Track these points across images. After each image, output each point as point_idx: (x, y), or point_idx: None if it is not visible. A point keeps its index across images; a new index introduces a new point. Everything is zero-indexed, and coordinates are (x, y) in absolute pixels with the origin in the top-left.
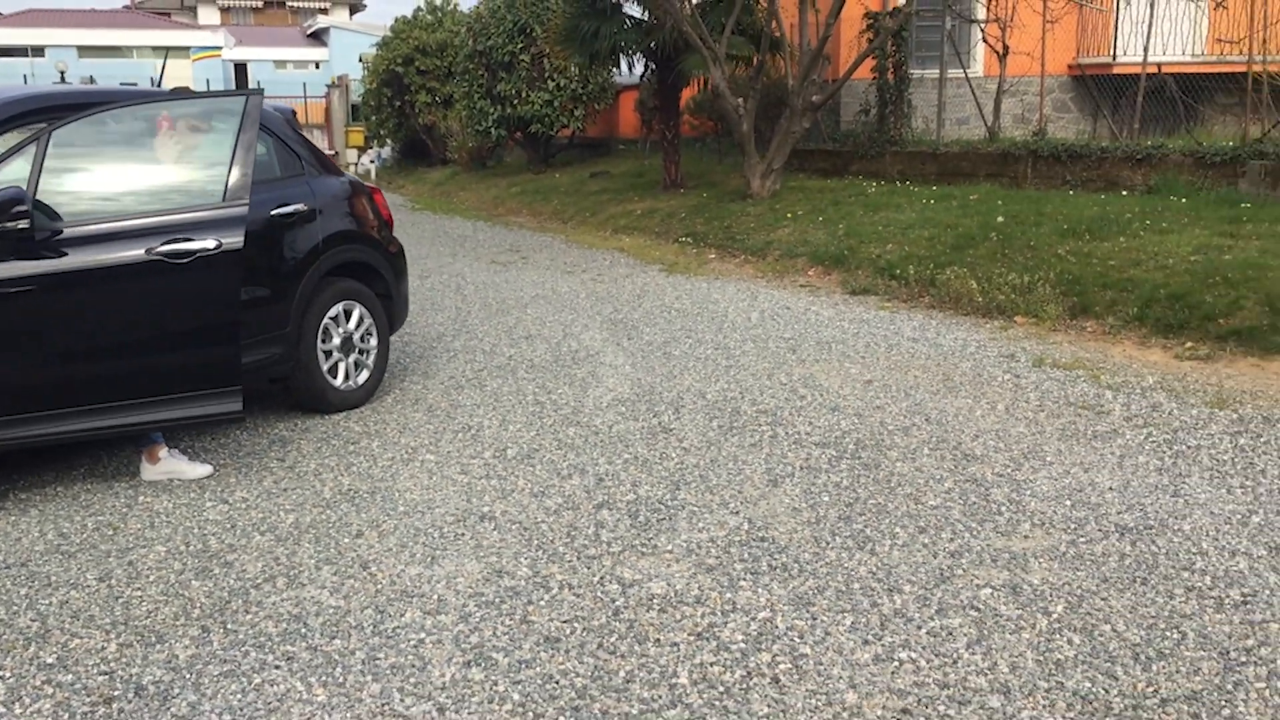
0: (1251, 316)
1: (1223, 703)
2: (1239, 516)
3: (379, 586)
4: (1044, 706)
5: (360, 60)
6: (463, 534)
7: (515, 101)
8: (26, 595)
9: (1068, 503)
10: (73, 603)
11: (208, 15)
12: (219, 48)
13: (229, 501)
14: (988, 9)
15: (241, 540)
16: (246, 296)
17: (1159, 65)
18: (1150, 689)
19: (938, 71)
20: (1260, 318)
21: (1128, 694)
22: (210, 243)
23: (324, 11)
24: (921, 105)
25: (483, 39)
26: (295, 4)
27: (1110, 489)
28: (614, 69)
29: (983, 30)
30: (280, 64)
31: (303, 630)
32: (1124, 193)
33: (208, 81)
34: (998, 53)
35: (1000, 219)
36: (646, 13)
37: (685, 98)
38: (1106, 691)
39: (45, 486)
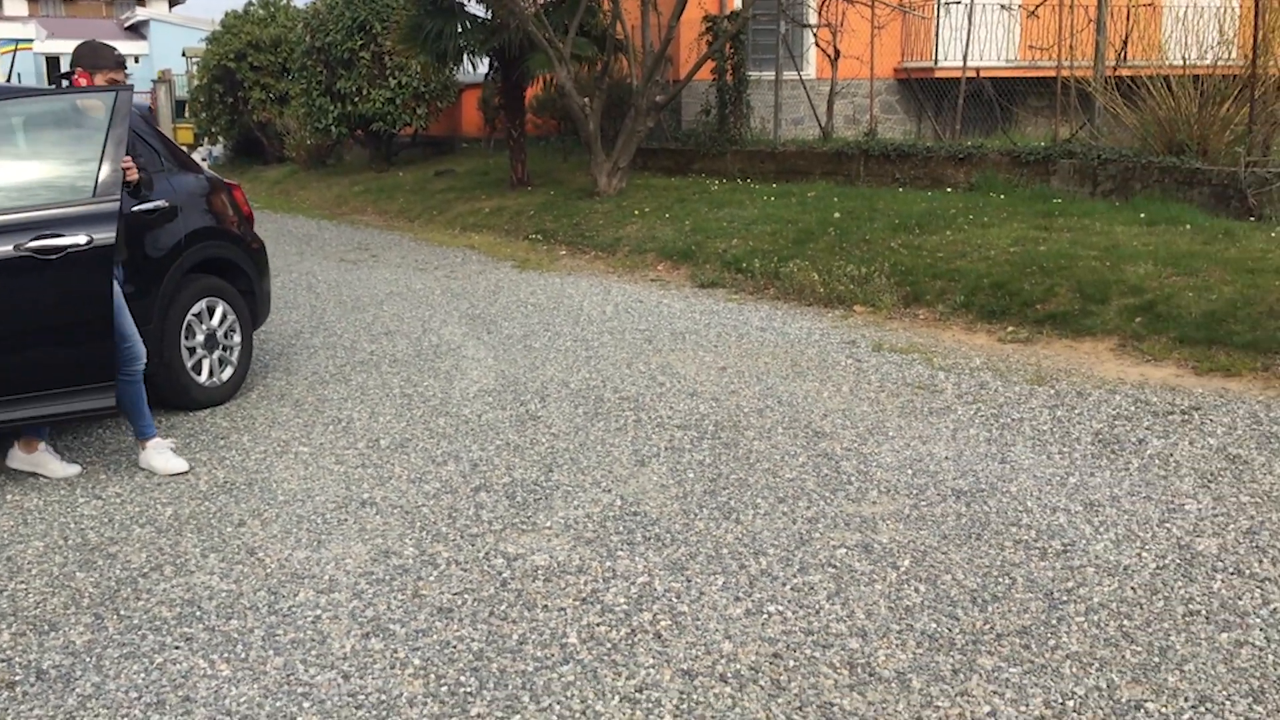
0: (1064, 302)
1: (1049, 635)
2: (1058, 478)
3: (268, 570)
4: (896, 645)
5: (184, 54)
6: (346, 519)
7: (356, 99)
8: None
9: (909, 471)
10: None
11: (14, 6)
12: (30, 40)
13: (102, 497)
14: (819, 14)
15: (121, 533)
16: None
17: (978, 70)
18: (987, 626)
19: (774, 74)
20: (1072, 303)
21: (968, 632)
22: (81, 238)
23: (141, 3)
24: (759, 106)
25: (321, 35)
26: None
27: (946, 458)
28: (457, 68)
29: (815, 35)
30: None
31: (197, 613)
32: (949, 190)
33: (18, 75)
34: (829, 56)
35: (837, 215)
36: (490, 12)
37: (529, 96)
38: (950, 630)
39: None
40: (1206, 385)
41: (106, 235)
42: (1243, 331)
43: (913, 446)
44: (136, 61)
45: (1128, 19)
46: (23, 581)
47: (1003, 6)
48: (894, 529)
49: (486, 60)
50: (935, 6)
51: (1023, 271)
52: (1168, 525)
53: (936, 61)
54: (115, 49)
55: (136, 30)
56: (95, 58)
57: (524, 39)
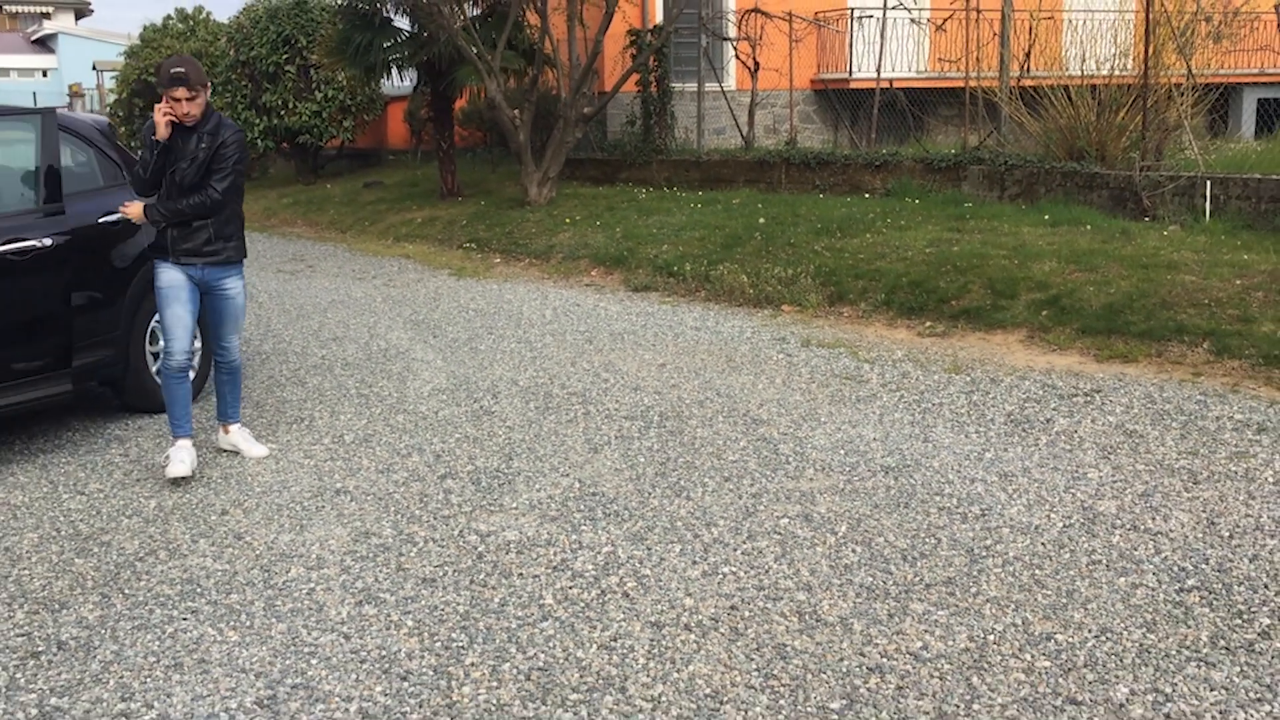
0: (977, 298)
1: (970, 584)
2: (975, 454)
3: (258, 552)
4: (839, 596)
5: (94, 68)
6: (323, 506)
7: (282, 112)
8: None
9: (841, 452)
10: None
11: None
12: None
13: (85, 493)
14: (739, 28)
15: (110, 524)
16: (80, 301)
17: (890, 81)
18: (917, 579)
19: (696, 85)
20: (984, 299)
21: (900, 583)
22: (47, 240)
23: (47, 16)
24: (682, 116)
25: (245, 49)
26: (13, 8)
27: (874, 439)
28: (384, 81)
29: (735, 48)
30: (2, 71)
31: (198, 590)
32: (866, 195)
33: None
34: (749, 68)
35: (762, 220)
36: (416, 26)
37: (455, 108)
38: (884, 583)
39: None
40: (1106, 370)
41: (61, 238)
42: (1138, 322)
43: (843, 430)
44: (45, 75)
45: (1030, 32)
46: (25, 568)
47: (913, 21)
48: (830, 501)
49: (414, 73)
50: (849, 20)
51: (938, 271)
52: (1073, 491)
53: (851, 73)
54: (172, 68)
55: (44, 44)
56: (159, 78)
57: (453, 52)
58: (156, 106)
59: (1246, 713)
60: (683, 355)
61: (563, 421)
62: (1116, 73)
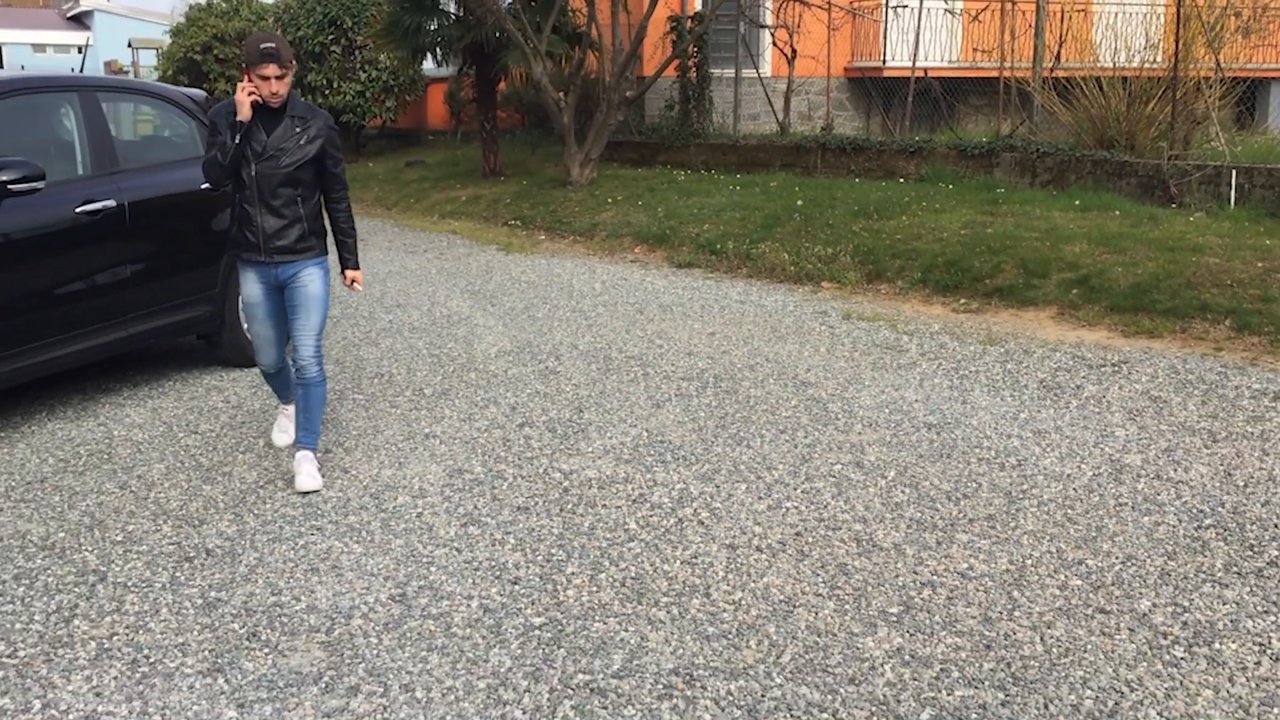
0: (1010, 277)
1: (1010, 520)
2: (1010, 414)
3: (365, 484)
4: (891, 527)
5: (130, 45)
6: (415, 448)
7: (327, 92)
8: (61, 501)
9: (886, 410)
10: (108, 504)
11: None
12: None
13: (198, 432)
14: (776, 16)
15: (228, 458)
16: (184, 260)
17: (925, 70)
18: (960, 515)
19: (733, 71)
20: (1016, 278)
21: (946, 518)
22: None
23: None
24: (718, 101)
25: (292, 30)
26: None
27: (916, 401)
28: (426, 62)
29: (773, 35)
30: (39, 47)
31: (318, 513)
32: (901, 180)
33: None
34: (786, 55)
35: (800, 202)
36: (464, 10)
37: (497, 91)
38: (932, 518)
39: (16, 428)
40: (1133, 345)
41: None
42: (1164, 300)
43: (886, 392)
44: (80, 51)
45: (1063, 23)
46: (160, 492)
47: (948, 11)
48: (878, 451)
49: (457, 56)
50: (884, 10)
51: (973, 251)
52: (1101, 446)
53: (885, 62)
54: (262, 43)
55: (79, 20)
56: (245, 54)
57: (499, 36)
58: (240, 85)
59: (1254, 622)
60: (730, 325)
61: (624, 381)
62: (1147, 65)
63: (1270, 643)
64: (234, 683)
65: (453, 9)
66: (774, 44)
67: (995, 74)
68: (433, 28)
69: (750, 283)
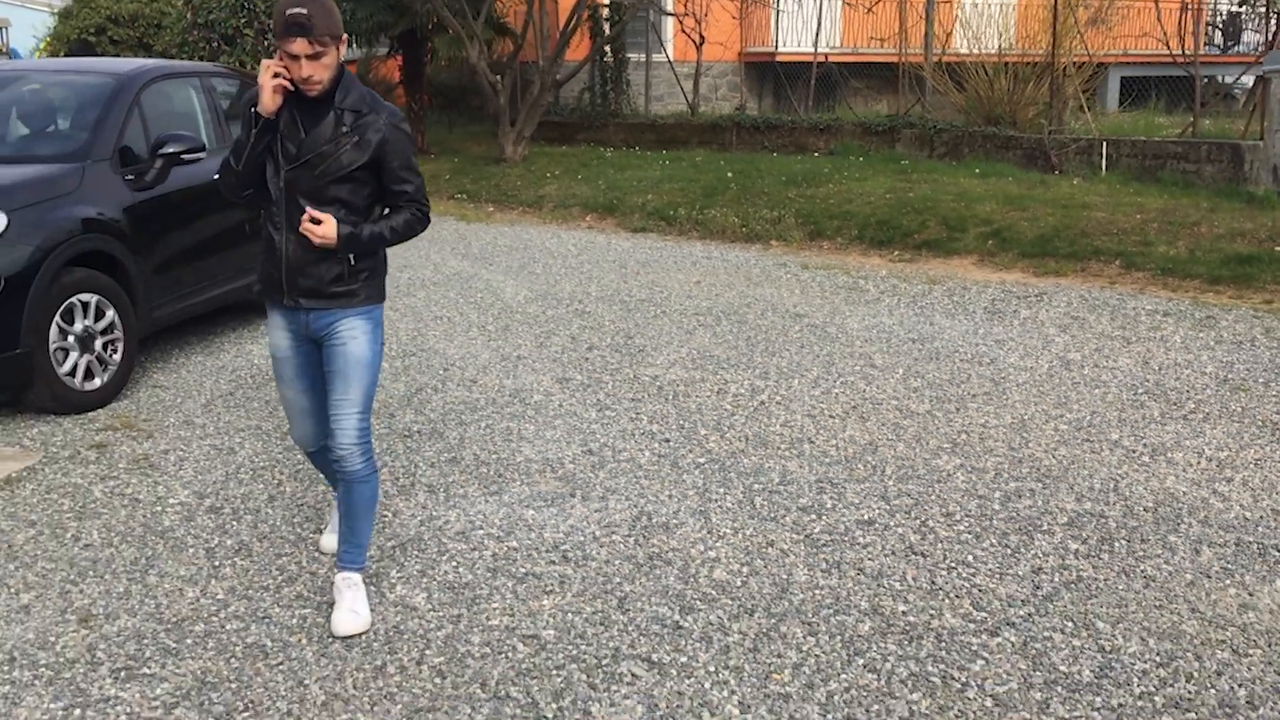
0: (934, 232)
1: (1001, 395)
2: (970, 330)
3: (494, 393)
4: (918, 402)
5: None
6: (514, 366)
7: None
8: (261, 406)
9: (873, 331)
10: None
11: None
12: None
13: None
14: (684, 4)
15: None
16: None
17: (826, 54)
18: (965, 393)
19: (643, 56)
20: (940, 233)
21: (955, 396)
22: None
23: None
24: (632, 83)
25: (203, 13)
26: None
27: (893, 324)
28: (358, 46)
29: (681, 22)
30: None
31: (477, 408)
32: (815, 155)
33: None
34: (694, 41)
35: (729, 174)
36: None
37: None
38: (944, 395)
39: (178, 359)
40: (1045, 282)
41: None
42: (1064, 247)
43: (866, 319)
44: None
45: (953, 14)
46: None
47: (847, 3)
48: (884, 357)
49: (390, 40)
50: (775, 2)
51: (899, 212)
52: (1048, 349)
53: (777, 48)
54: (290, 7)
55: None
56: (274, 23)
57: (432, 21)
58: (265, 64)
59: (1190, 443)
60: (709, 276)
61: (649, 317)
62: (1027, 52)
63: (1204, 453)
64: (515, 497)
65: None
66: (682, 30)
67: (886, 59)
68: (369, 14)
69: (705, 243)
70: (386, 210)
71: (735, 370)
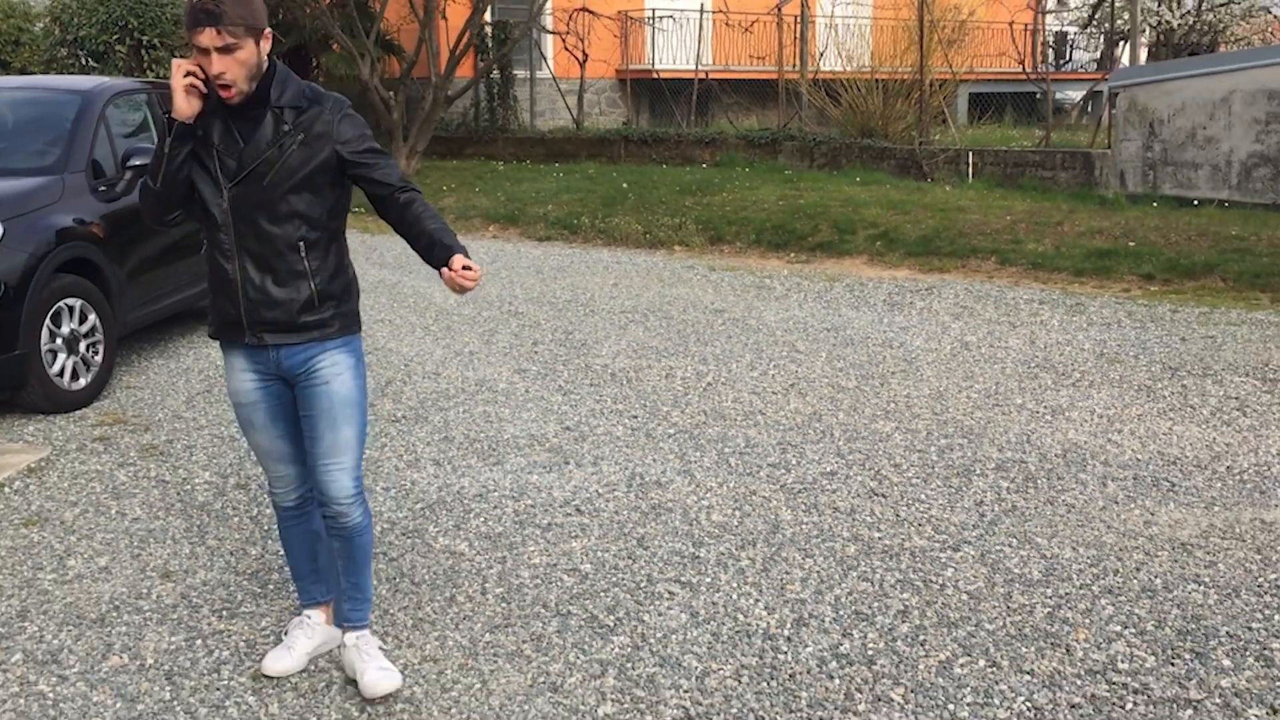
0: (826, 235)
1: (916, 370)
2: (875, 320)
3: (459, 385)
4: (846, 379)
5: None
6: (466, 360)
7: None
8: None
9: (789, 323)
10: None
11: None
12: None
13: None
14: (566, 24)
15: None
16: None
17: (707, 72)
18: (886, 370)
19: (528, 72)
20: (832, 235)
21: (877, 374)
22: None
23: None
24: (518, 98)
25: (73, 29)
26: None
27: (806, 316)
28: None
29: (564, 40)
30: None
31: (449, 395)
32: (702, 166)
33: None
34: (578, 59)
35: (625, 185)
36: (281, 12)
37: None
38: (869, 373)
39: (151, 358)
40: (932, 278)
41: None
42: (945, 246)
43: (780, 313)
44: None
45: (828, 34)
46: None
47: (727, 24)
48: (805, 344)
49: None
50: (651, 20)
51: (793, 217)
52: (946, 334)
53: (655, 64)
54: None
55: None
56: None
57: (321, 38)
58: (175, 64)
59: (1084, 403)
60: (624, 278)
61: (580, 316)
62: (895, 70)
63: (1095, 411)
64: (516, 465)
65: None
66: (565, 48)
67: (765, 76)
68: None
69: (611, 250)
70: (400, 218)
71: (676, 358)
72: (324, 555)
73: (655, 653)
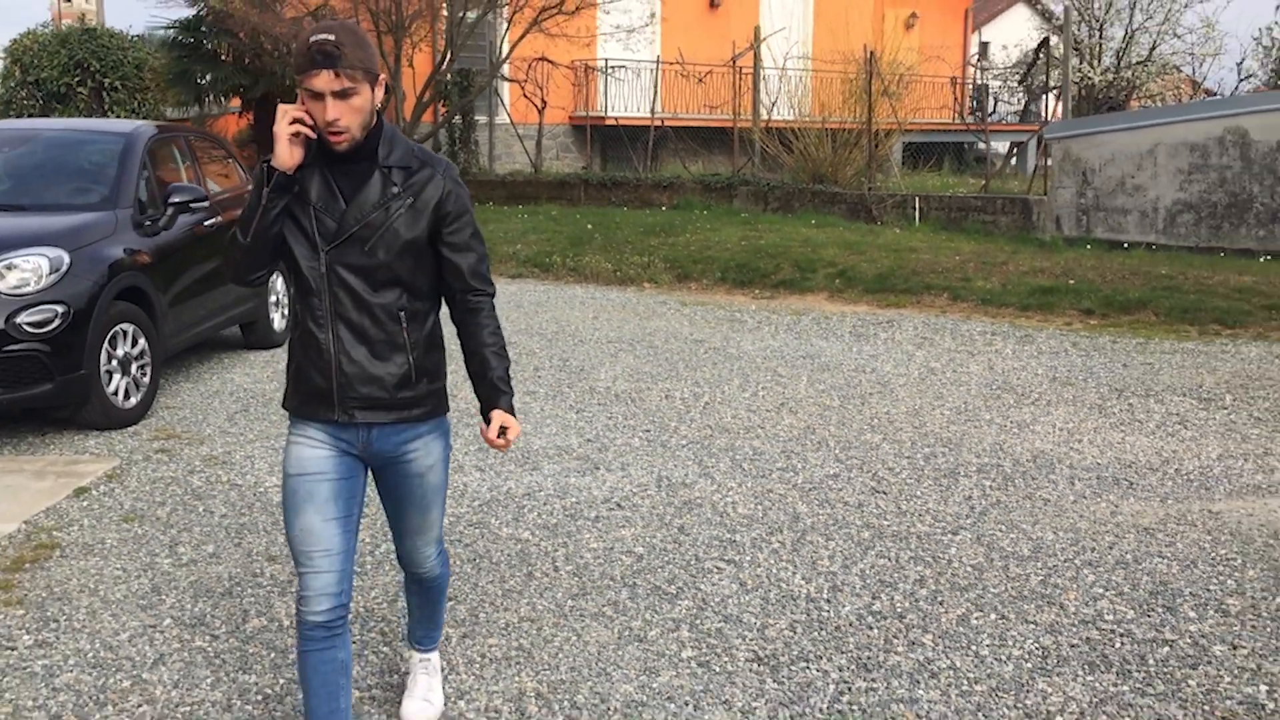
0: (788, 273)
1: (891, 392)
2: (845, 349)
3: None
4: (831, 399)
5: None
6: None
7: None
8: (283, 419)
9: (767, 351)
10: None
11: None
12: None
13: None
14: (525, 72)
15: None
16: None
17: (662, 119)
18: (866, 390)
19: (487, 118)
20: (793, 274)
21: (856, 395)
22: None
23: None
24: (479, 143)
25: (35, 71)
26: None
27: (780, 345)
28: (207, 106)
29: (523, 88)
30: None
31: (467, 414)
32: (662, 208)
33: None
34: (536, 106)
35: (589, 226)
36: (248, 59)
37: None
38: (851, 393)
39: (194, 379)
40: (890, 312)
41: None
42: (900, 283)
43: (756, 343)
44: None
45: (779, 85)
46: None
47: (682, 75)
48: (786, 369)
49: (224, 99)
50: (604, 69)
51: (755, 256)
52: (912, 360)
53: (606, 111)
54: (316, 34)
55: None
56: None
57: (291, 85)
58: (281, 109)
59: (1047, 418)
60: (602, 312)
61: (571, 345)
62: (845, 120)
63: (1056, 425)
64: (552, 471)
65: (226, 57)
66: (524, 95)
67: (720, 124)
68: (223, 77)
69: (584, 286)
70: (450, 313)
71: (670, 381)
72: (345, 695)
73: (717, 612)
